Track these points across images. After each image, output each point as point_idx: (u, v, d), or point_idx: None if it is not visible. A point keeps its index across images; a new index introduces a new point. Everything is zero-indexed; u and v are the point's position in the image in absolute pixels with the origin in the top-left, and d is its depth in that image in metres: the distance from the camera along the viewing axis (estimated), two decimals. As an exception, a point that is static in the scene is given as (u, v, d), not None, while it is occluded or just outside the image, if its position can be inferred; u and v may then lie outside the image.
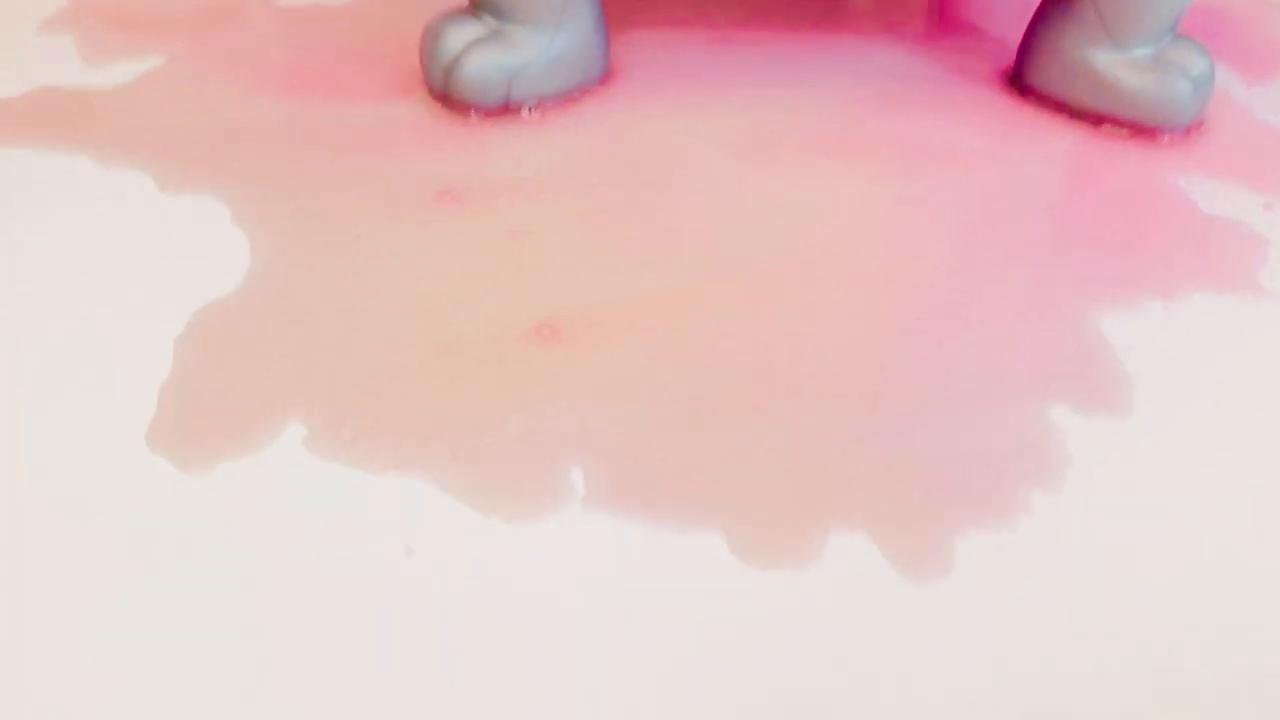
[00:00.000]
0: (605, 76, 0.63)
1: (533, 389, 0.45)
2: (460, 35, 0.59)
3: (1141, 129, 0.61)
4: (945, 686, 0.37)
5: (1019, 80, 0.64)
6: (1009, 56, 0.66)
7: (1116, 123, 0.61)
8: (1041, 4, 0.63)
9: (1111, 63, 0.60)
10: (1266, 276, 0.53)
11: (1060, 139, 0.61)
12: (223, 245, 0.51)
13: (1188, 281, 0.52)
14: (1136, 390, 0.47)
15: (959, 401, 0.46)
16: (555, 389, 0.45)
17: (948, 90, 0.64)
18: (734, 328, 0.49)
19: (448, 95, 0.60)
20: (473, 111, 0.60)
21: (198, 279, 0.49)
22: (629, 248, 0.52)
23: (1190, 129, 0.61)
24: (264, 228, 0.52)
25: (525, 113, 0.60)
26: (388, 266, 0.50)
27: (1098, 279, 0.52)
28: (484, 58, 0.59)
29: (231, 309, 0.48)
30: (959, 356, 0.48)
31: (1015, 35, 0.68)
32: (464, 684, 0.36)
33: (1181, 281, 0.52)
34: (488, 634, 0.38)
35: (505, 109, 0.60)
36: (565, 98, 0.61)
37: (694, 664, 0.37)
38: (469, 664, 0.37)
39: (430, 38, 0.60)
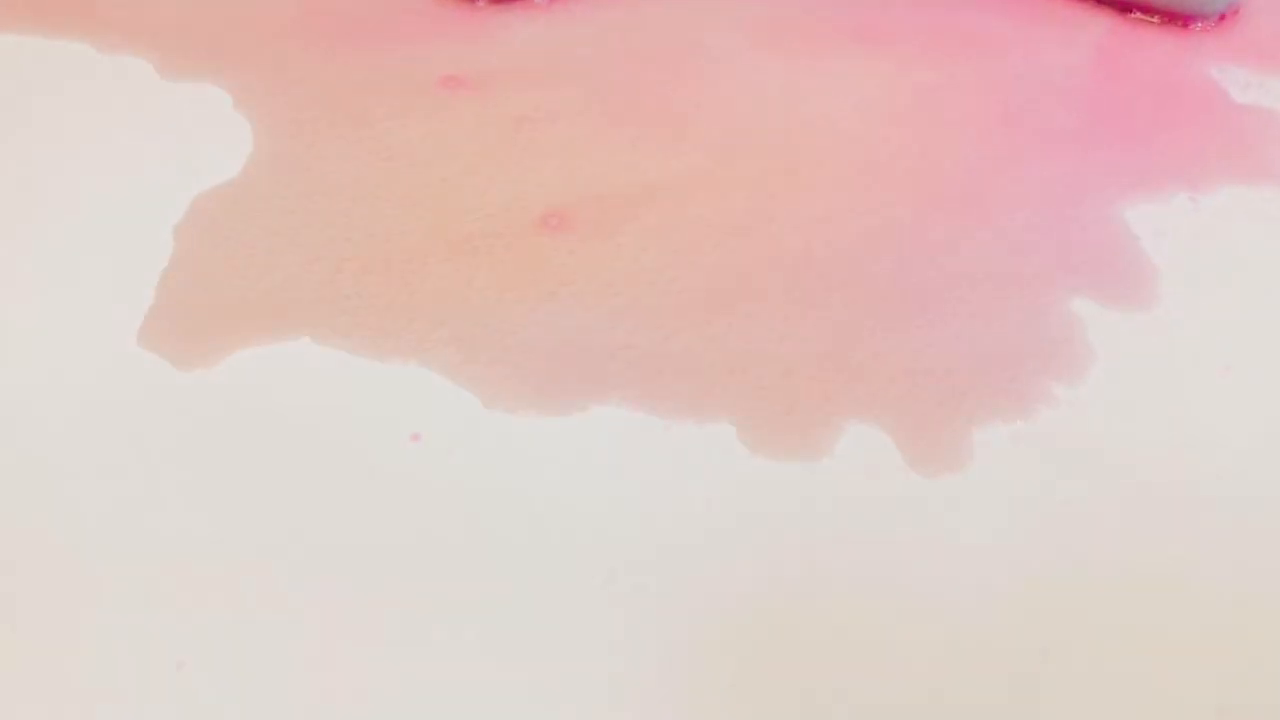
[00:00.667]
0: (617, -39, 0.61)
1: (540, 278, 0.44)
2: (467, -83, 0.57)
3: (1173, 16, 0.59)
4: (959, 578, 0.37)
5: (1047, -34, 0.62)
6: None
7: (1146, 10, 0.59)
8: (1073, -116, 0.61)
9: (1144, -54, 0.58)
10: (1299, 166, 0.51)
11: (1087, 27, 0.59)
12: (225, 132, 0.50)
13: (1216, 172, 0.51)
14: (1161, 282, 0.46)
15: (979, 293, 0.45)
16: (563, 278, 0.44)
17: (973, -23, 0.62)
18: (747, 218, 0.47)
19: (455, -19, 0.58)
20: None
21: (199, 166, 0.48)
22: (640, 136, 0.51)
23: (1224, 16, 0.59)
24: (266, 114, 0.51)
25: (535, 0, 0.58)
26: (392, 153, 0.49)
27: (1123, 168, 0.50)
28: (492, -60, 0.57)
29: (233, 196, 0.46)
30: (980, 246, 0.46)
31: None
32: (469, 571, 0.36)
33: (1210, 172, 0.51)
34: (493, 522, 0.37)
35: (514, -4, 0.58)
36: (576, -17, 0.59)
37: (703, 556, 0.37)
38: (475, 551, 0.36)
39: (436, -81, 0.58)
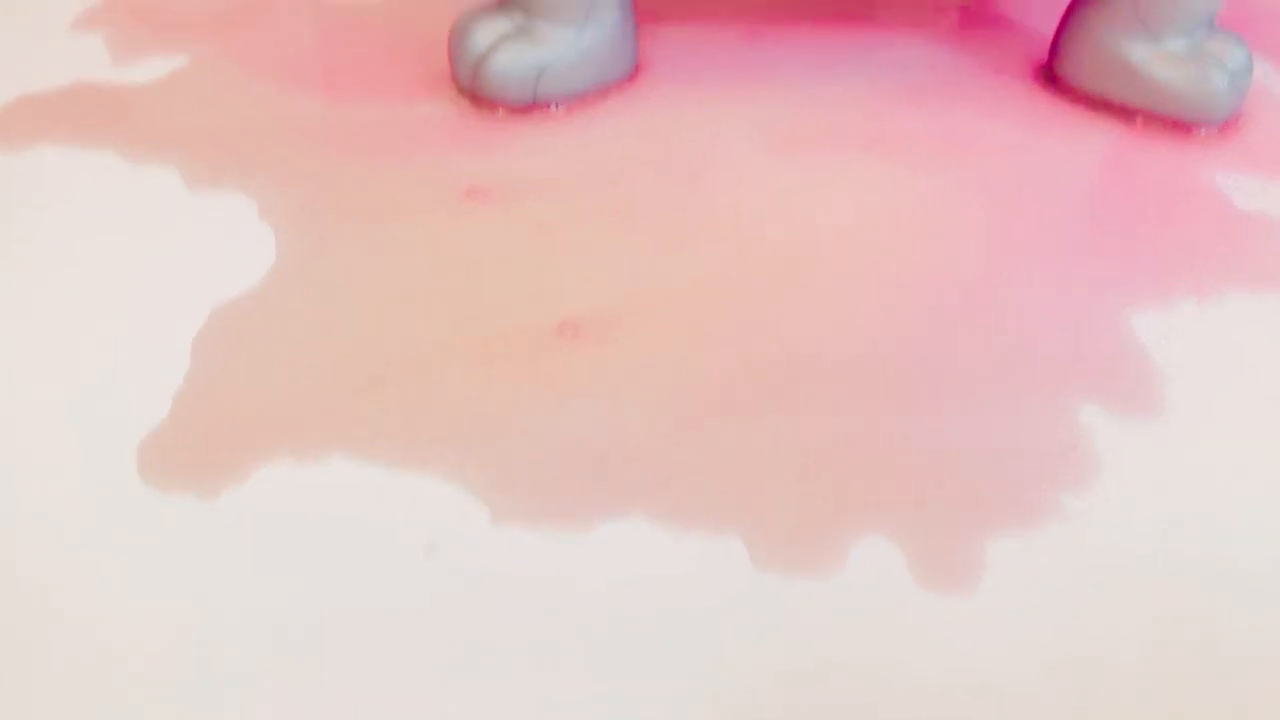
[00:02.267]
0: (634, 72, 0.62)
1: (555, 387, 0.45)
2: (488, 32, 0.59)
3: (1177, 123, 0.60)
4: (971, 698, 0.37)
5: (1052, 73, 0.63)
6: (1042, 49, 0.65)
7: (1151, 117, 0.60)
8: (1077, -7, 0.62)
9: (1146, 55, 0.59)
10: (1304, 274, 0.52)
11: (1093, 133, 0.60)
12: (248, 241, 0.51)
13: (1221, 279, 0.51)
14: (1168, 390, 0.46)
15: (987, 400, 0.45)
16: (577, 389, 0.45)
17: (980, 84, 0.63)
18: (760, 325, 0.48)
19: (476, 92, 0.60)
20: (501, 108, 0.60)
21: (221, 275, 0.49)
22: (655, 243, 0.52)
23: (1227, 123, 0.60)
24: (289, 224, 0.52)
25: (553, 109, 0.60)
26: (412, 264, 0.50)
27: (1130, 275, 0.51)
28: (511, 54, 0.58)
29: (254, 306, 0.48)
30: (988, 354, 0.47)
31: (1048, 27, 0.67)
32: (483, 684, 0.36)
33: (1215, 279, 0.51)
34: (505, 635, 0.37)
35: (533, 105, 0.60)
36: (593, 93, 0.61)
37: (713, 675, 0.37)
38: (488, 663, 0.37)
39: (458, 34, 0.60)
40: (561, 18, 0.59)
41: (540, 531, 0.40)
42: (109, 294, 0.48)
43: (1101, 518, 0.41)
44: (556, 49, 0.59)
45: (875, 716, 0.36)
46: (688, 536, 0.40)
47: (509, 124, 0.59)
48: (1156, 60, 0.59)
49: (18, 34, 0.65)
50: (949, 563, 0.39)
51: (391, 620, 0.37)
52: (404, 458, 0.42)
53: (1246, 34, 0.68)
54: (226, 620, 0.37)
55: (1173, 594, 0.39)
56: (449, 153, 0.57)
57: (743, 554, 0.40)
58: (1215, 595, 0.39)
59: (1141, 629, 0.38)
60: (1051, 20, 0.64)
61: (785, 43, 0.66)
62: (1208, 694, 0.37)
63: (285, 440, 0.42)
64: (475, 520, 0.40)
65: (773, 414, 0.45)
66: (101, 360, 0.46)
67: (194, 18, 0.66)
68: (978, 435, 0.44)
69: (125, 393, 0.44)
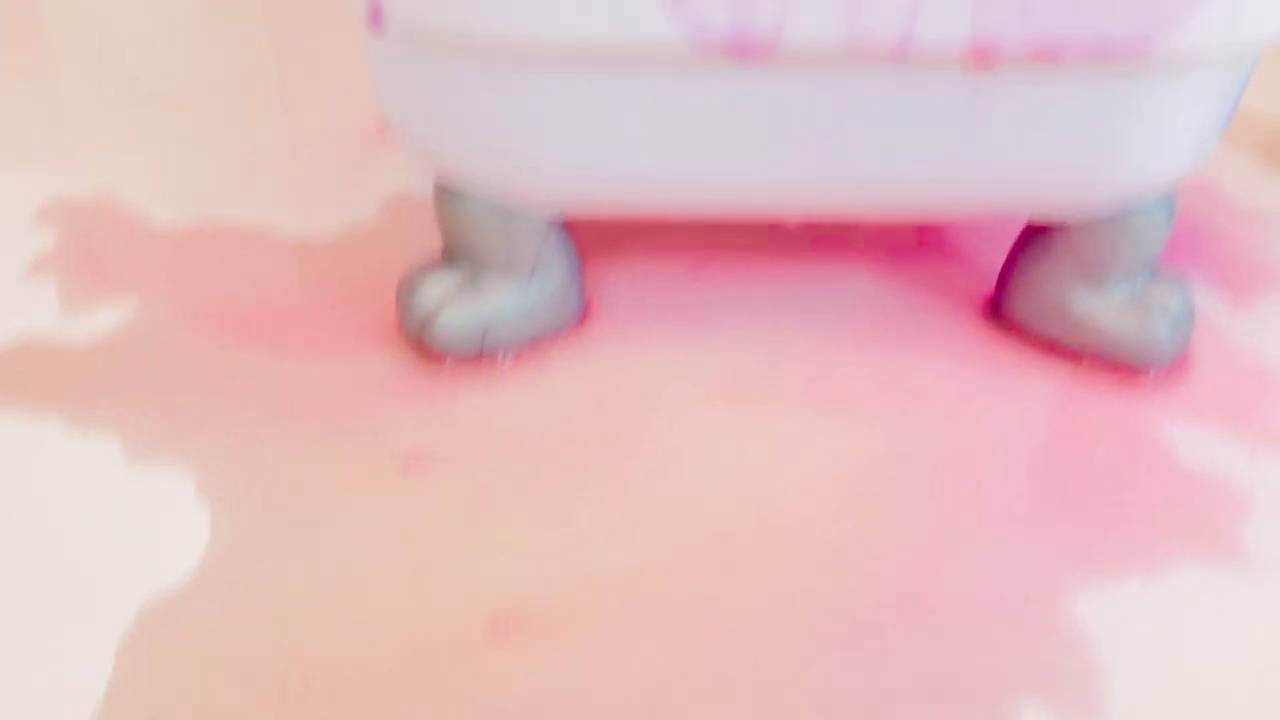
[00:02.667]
0: (581, 317, 0.63)
1: (481, 706, 0.44)
2: (434, 288, 0.59)
3: (1124, 367, 0.60)
4: None
5: (998, 312, 0.64)
6: (989, 280, 0.66)
7: (1099, 359, 0.61)
8: (1019, 238, 0.63)
9: (1089, 303, 0.60)
10: (1250, 538, 0.52)
11: (1040, 381, 0.60)
12: (182, 522, 0.50)
13: (1168, 550, 0.51)
14: (1113, 687, 0.45)
15: (925, 706, 0.44)
16: (506, 705, 0.44)
17: (927, 324, 0.64)
18: (702, 613, 0.48)
19: (423, 346, 0.60)
20: (448, 360, 0.60)
21: (152, 564, 0.48)
22: (598, 515, 0.52)
23: (1173, 366, 0.61)
24: (226, 501, 0.51)
25: (501, 358, 0.60)
26: (346, 550, 0.49)
27: (1074, 550, 0.51)
28: (458, 312, 0.59)
29: (182, 604, 0.47)
30: (927, 649, 0.46)
31: (997, 260, 0.68)
32: None
33: (1162, 550, 0.51)
34: None
35: (480, 358, 0.60)
36: (541, 342, 0.61)
37: None
38: None
39: (405, 290, 0.60)
40: (508, 271, 0.59)
41: None
42: (32, 588, 0.48)
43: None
44: (504, 302, 0.59)
45: None
46: None
47: (455, 377, 0.59)
48: (1099, 309, 0.60)
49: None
50: None
51: None
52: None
53: (1191, 256, 0.69)
54: None
55: None
56: (393, 412, 0.57)
57: None
58: None
59: None
60: (998, 248, 0.64)
61: (730, 277, 0.66)
62: None
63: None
64: None
65: (719, 714, 0.44)
66: (18, 667, 0.45)
67: (146, 261, 0.67)
68: (918, 738, 0.43)
69: (42, 708, 0.43)
